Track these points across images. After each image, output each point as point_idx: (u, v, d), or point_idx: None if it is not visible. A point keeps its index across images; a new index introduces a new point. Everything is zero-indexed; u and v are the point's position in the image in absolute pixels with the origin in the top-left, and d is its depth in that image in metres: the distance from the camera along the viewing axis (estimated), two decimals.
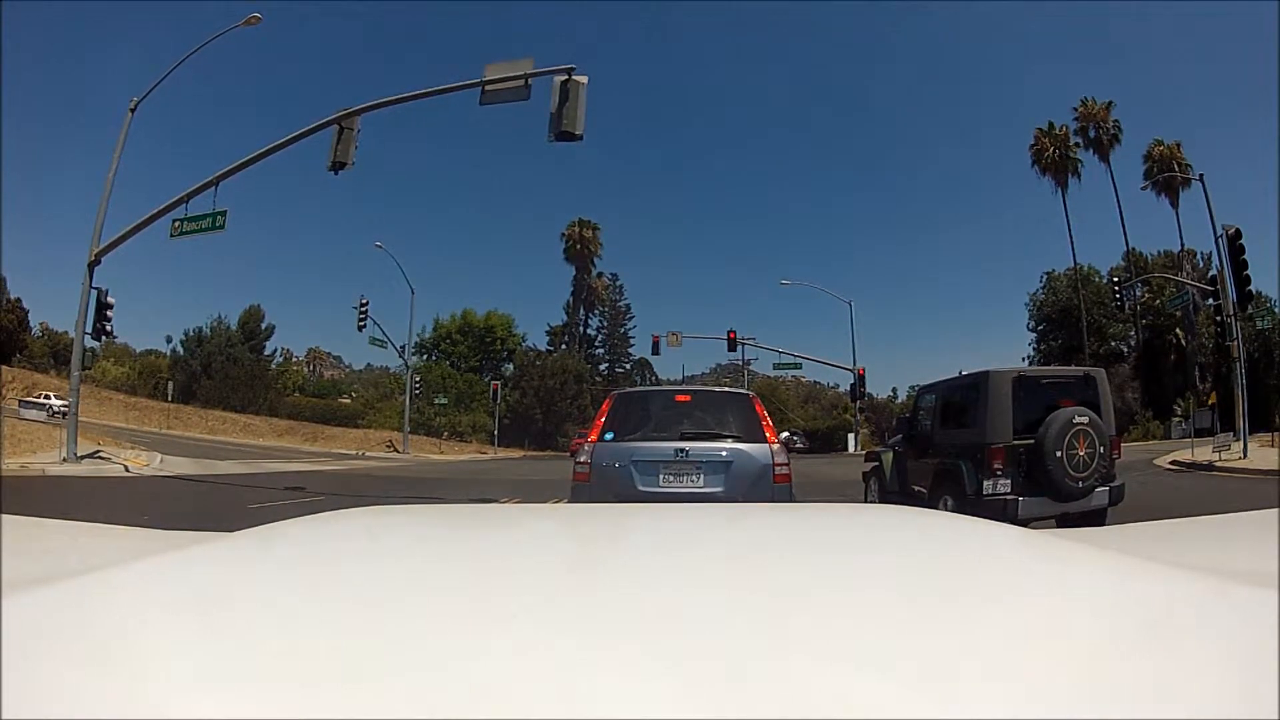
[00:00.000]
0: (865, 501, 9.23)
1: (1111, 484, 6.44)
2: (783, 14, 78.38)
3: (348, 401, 49.49)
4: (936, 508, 6.73)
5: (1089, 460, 6.07)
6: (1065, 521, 6.37)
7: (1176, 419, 32.34)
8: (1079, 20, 65.69)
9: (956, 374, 7.52)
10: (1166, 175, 35.42)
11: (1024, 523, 5.56)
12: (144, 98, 15.80)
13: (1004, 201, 69.52)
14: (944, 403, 7.42)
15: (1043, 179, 41.57)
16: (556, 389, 44.31)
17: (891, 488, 8.24)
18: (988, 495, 6.23)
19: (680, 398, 6.09)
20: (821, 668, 0.45)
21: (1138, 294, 37.41)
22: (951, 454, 6.83)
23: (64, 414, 15.54)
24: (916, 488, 7.58)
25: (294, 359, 55.72)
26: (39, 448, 15.08)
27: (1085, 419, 6.11)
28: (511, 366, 49.05)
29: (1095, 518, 6.29)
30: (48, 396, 16.68)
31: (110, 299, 14.92)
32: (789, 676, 0.43)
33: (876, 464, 8.83)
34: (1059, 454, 6.01)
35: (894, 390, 52.31)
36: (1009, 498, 6.18)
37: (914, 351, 74.98)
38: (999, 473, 6.20)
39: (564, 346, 50.32)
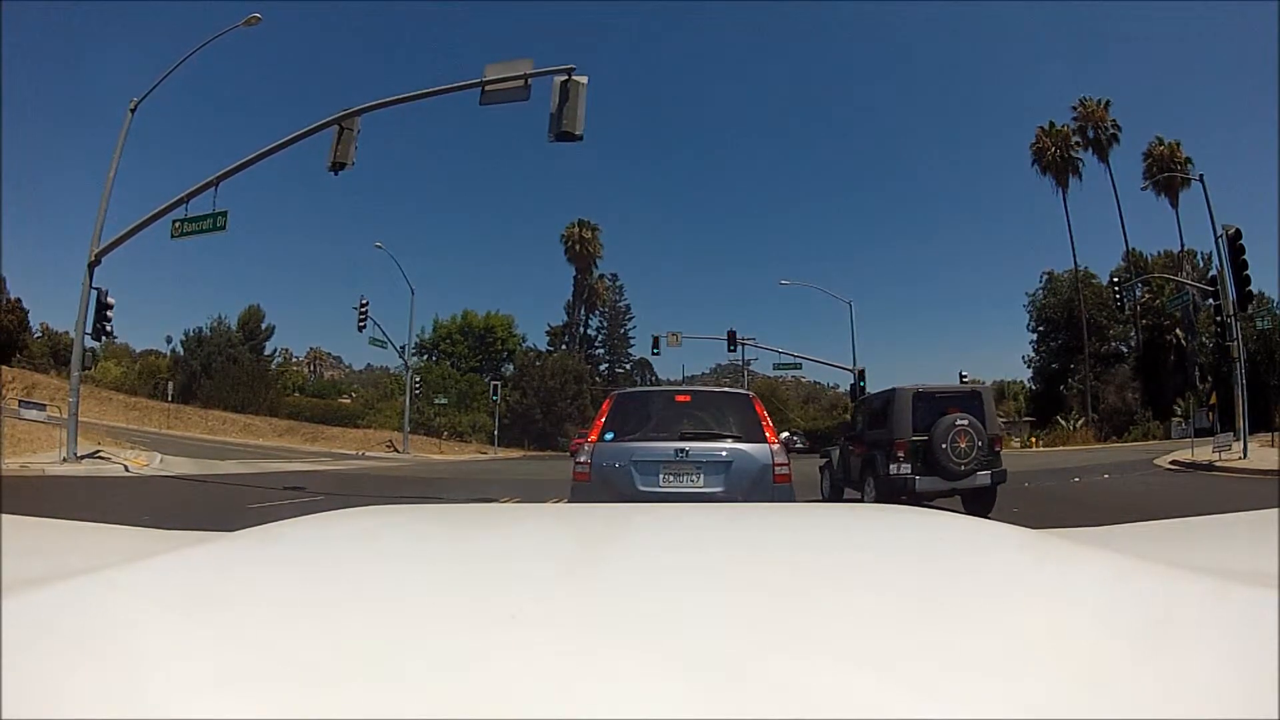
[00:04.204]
0: (820, 487, 10.97)
1: (994, 469, 8.36)
2: (782, 14, 78.37)
3: (348, 402, 49.41)
4: (863, 487, 9.15)
5: (968, 451, 8.07)
6: (965, 498, 8.35)
7: (1176, 419, 32.33)
8: (1079, 20, 65.74)
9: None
10: (1166, 175, 35.43)
11: (922, 495, 8.10)
12: (144, 98, 15.82)
13: (1004, 201, 69.48)
14: (869, 410, 9.63)
15: (1043, 179, 41.66)
16: (557, 389, 44.30)
17: (838, 475, 10.37)
18: (893, 475, 8.27)
19: (680, 398, 6.08)
20: (821, 668, 0.45)
21: (1138, 294, 37.41)
22: (873, 447, 8.90)
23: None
24: (854, 474, 9.55)
25: (294, 359, 55.77)
26: (39, 448, 15.07)
27: (965, 422, 8.11)
28: (512, 367, 49.03)
29: (983, 494, 8.36)
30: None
31: (110, 299, 14.93)
32: (789, 676, 0.43)
33: (829, 458, 10.95)
34: (944, 446, 8.04)
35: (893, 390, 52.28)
36: (909, 477, 8.21)
37: (914, 351, 75.01)
38: (901, 459, 8.26)
39: (564, 347, 50.31)
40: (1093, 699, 0.41)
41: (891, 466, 8.27)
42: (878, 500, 8.52)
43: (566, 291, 51.94)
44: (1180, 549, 0.96)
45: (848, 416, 13.02)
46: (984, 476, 8.20)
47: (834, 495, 10.61)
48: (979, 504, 8.26)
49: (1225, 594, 0.62)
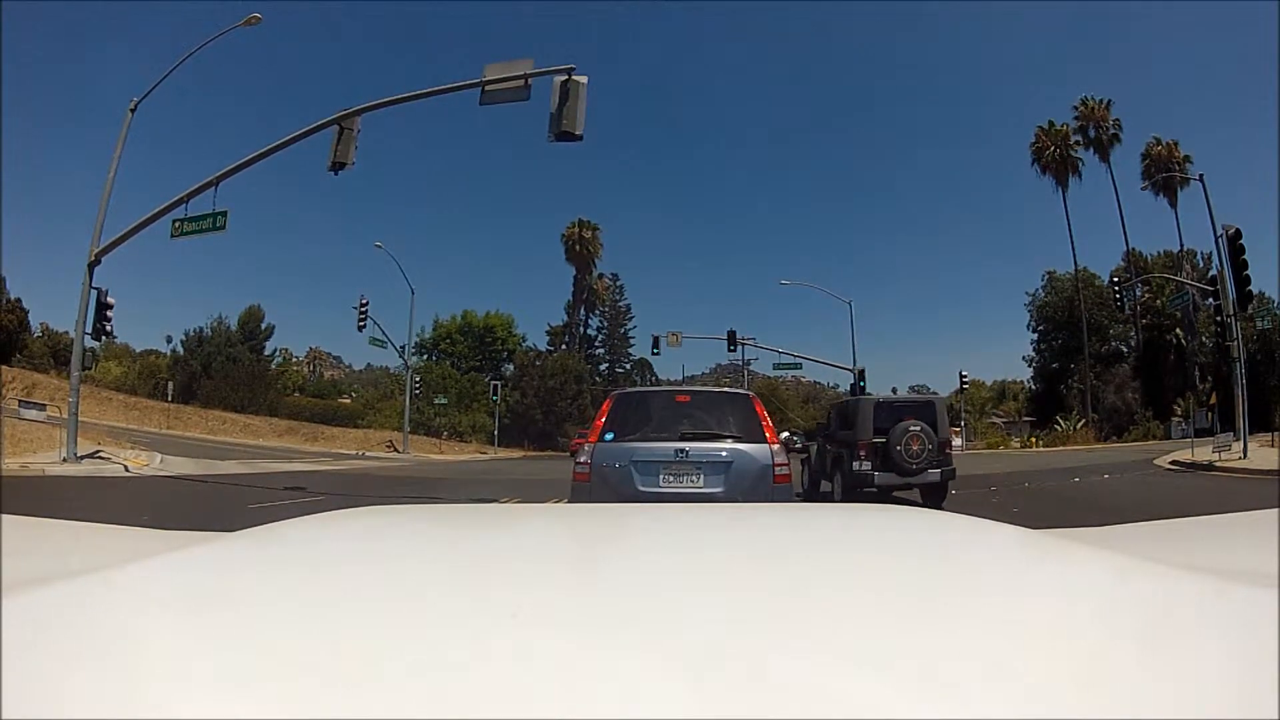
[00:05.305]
0: (800, 479, 11.80)
1: (943, 468, 9.65)
2: (783, 14, 78.45)
3: (348, 402, 49.39)
4: (833, 480, 10.54)
5: (920, 452, 9.36)
6: (921, 492, 9.68)
7: (1176, 419, 32.33)
8: (1079, 20, 65.76)
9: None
10: (1165, 175, 35.41)
11: (881, 488, 9.43)
12: (144, 98, 15.79)
13: (1004, 201, 69.49)
14: (840, 414, 11.07)
15: (1043, 178, 41.65)
16: (556, 389, 44.26)
17: (816, 469, 11.73)
18: (856, 470, 9.54)
19: (680, 398, 6.08)
20: (821, 667, 0.45)
21: (1138, 294, 37.41)
22: (841, 445, 10.22)
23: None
24: (827, 468, 10.92)
25: (294, 359, 55.71)
26: (39, 448, 15.06)
27: (918, 427, 9.40)
28: (512, 367, 49.00)
29: (935, 489, 9.73)
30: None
31: (110, 299, 14.89)
32: (789, 676, 0.43)
33: (808, 453, 12.26)
34: (899, 447, 9.33)
35: (894, 390, 52.41)
36: (869, 472, 9.46)
37: (914, 351, 75.26)
38: (864, 457, 9.53)
39: (564, 347, 50.28)
40: (1093, 699, 0.41)
41: (855, 463, 9.61)
42: (845, 489, 9.93)
43: (566, 291, 51.93)
44: (1180, 549, 0.96)
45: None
46: (934, 474, 9.55)
47: (811, 486, 11.85)
48: (932, 497, 9.70)
49: (1225, 594, 0.62)
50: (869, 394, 10.99)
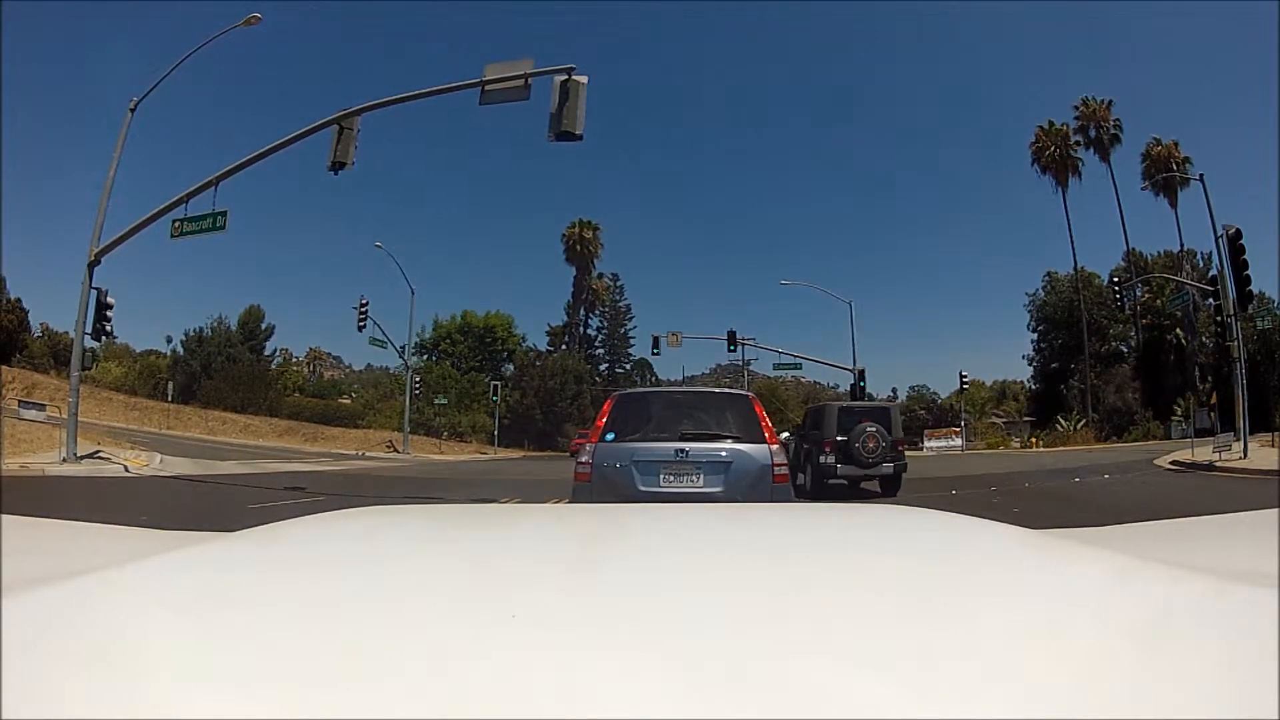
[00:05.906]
0: None
1: (896, 463, 11.54)
2: (782, 13, 78.44)
3: (348, 402, 49.35)
4: (805, 472, 12.05)
5: (875, 449, 11.21)
6: (880, 482, 11.59)
7: (1176, 419, 32.35)
8: (1079, 20, 65.77)
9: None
10: (1165, 175, 35.42)
11: (843, 478, 11.44)
12: (144, 98, 15.79)
13: (1004, 201, 69.59)
14: (811, 417, 13.08)
15: (1043, 178, 41.69)
16: (556, 389, 44.26)
17: (792, 462, 12.27)
18: (822, 463, 11.40)
19: (680, 398, 6.10)
20: (822, 668, 0.45)
21: (1138, 294, 37.41)
22: (812, 443, 11.99)
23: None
24: (800, 462, 12.31)
25: (294, 359, 55.69)
26: (39, 448, 15.06)
27: (874, 428, 11.25)
28: (512, 367, 49.00)
29: (889, 481, 11.57)
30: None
31: (110, 299, 14.89)
32: (789, 676, 0.43)
33: (785, 449, 12.52)
34: (857, 445, 11.19)
35: (894, 390, 52.52)
36: (833, 465, 11.33)
37: (914, 351, 75.37)
38: (828, 452, 11.39)
39: (564, 347, 50.28)
40: (1093, 699, 0.41)
41: (822, 458, 11.43)
42: (814, 480, 11.58)
43: (566, 291, 51.92)
44: (1180, 549, 0.96)
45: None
46: (888, 467, 11.43)
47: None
48: (889, 487, 11.62)
49: (1225, 594, 0.62)
50: (833, 401, 12.60)
